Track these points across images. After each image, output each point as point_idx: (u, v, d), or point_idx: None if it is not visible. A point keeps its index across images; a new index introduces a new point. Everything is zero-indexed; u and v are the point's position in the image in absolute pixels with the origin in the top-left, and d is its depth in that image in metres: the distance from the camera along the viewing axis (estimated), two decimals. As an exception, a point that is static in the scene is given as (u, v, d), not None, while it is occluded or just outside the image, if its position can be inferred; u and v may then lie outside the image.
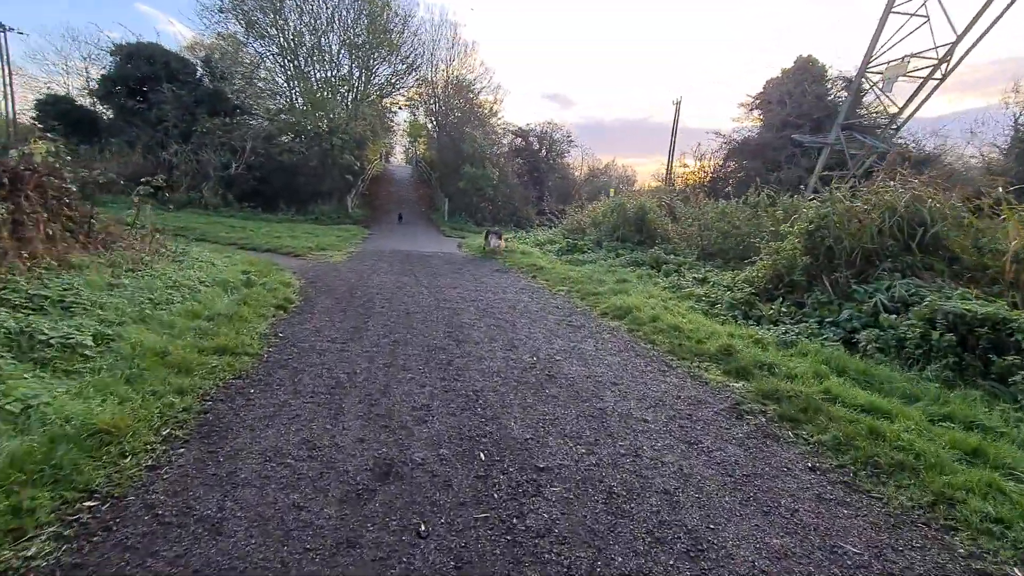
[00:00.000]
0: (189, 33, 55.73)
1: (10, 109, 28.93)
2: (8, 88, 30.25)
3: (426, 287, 9.03)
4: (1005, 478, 3.06)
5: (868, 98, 21.37)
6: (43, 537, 2.27)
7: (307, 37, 27.88)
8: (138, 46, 24.03)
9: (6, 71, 31.02)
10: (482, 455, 3.20)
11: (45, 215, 6.07)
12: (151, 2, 63.47)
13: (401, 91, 33.25)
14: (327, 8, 27.86)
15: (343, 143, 24.43)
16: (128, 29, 55.55)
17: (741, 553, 2.43)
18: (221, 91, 24.89)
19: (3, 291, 4.62)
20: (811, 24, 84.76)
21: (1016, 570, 2.37)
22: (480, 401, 4.08)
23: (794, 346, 5.71)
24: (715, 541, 2.51)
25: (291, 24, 27.30)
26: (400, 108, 36.23)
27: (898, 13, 13.75)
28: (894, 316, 5.55)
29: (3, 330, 3.94)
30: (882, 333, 5.40)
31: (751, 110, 25.29)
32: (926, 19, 13.79)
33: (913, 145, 17.60)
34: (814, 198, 7.88)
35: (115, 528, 2.38)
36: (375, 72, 30.76)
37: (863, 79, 15.18)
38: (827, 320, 6.28)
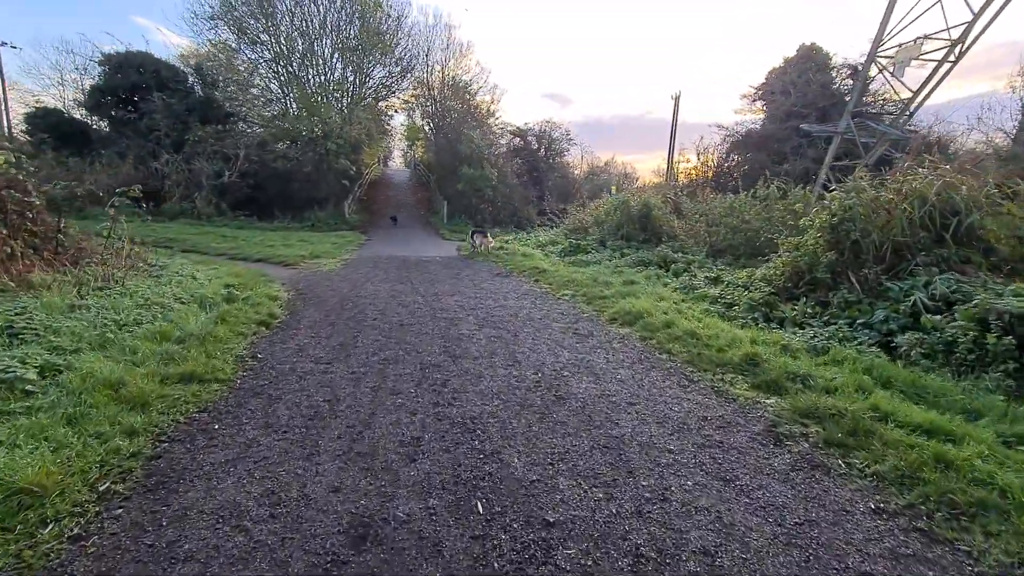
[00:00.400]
0: (184, 43, 55.42)
1: (5, 124, 28.66)
2: (3, 103, 30.00)
3: (422, 295, 8.51)
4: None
5: (873, 85, 20.79)
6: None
7: (299, 42, 27.47)
8: (128, 55, 23.62)
9: (1, 86, 30.77)
10: (480, 505, 2.67)
11: (3, 231, 5.58)
12: (147, 14, 63.27)
13: (397, 94, 32.82)
14: (319, 12, 27.45)
15: (338, 148, 23.96)
16: (116, 38, 55.26)
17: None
18: (213, 99, 24.46)
19: (-58, 318, 4.13)
20: (804, 28, 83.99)
21: None
22: (478, 431, 3.55)
23: (826, 352, 5.16)
24: (775, 623, 1.98)
25: (283, 29, 26.90)
26: (396, 111, 35.80)
27: (907, -6, 13.17)
28: (938, 317, 4.99)
29: (-70, 366, 3.44)
30: (926, 336, 4.85)
31: (754, 101, 24.68)
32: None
33: (925, 131, 16.94)
34: (835, 189, 7.31)
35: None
36: (369, 75, 30.32)
37: (873, 63, 14.59)
38: (859, 322, 5.73)
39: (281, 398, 4.06)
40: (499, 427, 3.62)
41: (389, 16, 29.25)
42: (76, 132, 23.60)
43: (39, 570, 2.14)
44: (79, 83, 29.02)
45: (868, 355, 4.88)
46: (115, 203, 7.83)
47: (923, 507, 2.72)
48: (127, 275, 6.73)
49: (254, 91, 28.44)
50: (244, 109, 27.51)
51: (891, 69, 14.00)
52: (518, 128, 33.47)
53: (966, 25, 12.38)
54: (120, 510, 2.57)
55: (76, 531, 2.39)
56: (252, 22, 26.40)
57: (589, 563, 2.27)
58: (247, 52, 27.54)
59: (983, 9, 11.96)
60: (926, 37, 13.11)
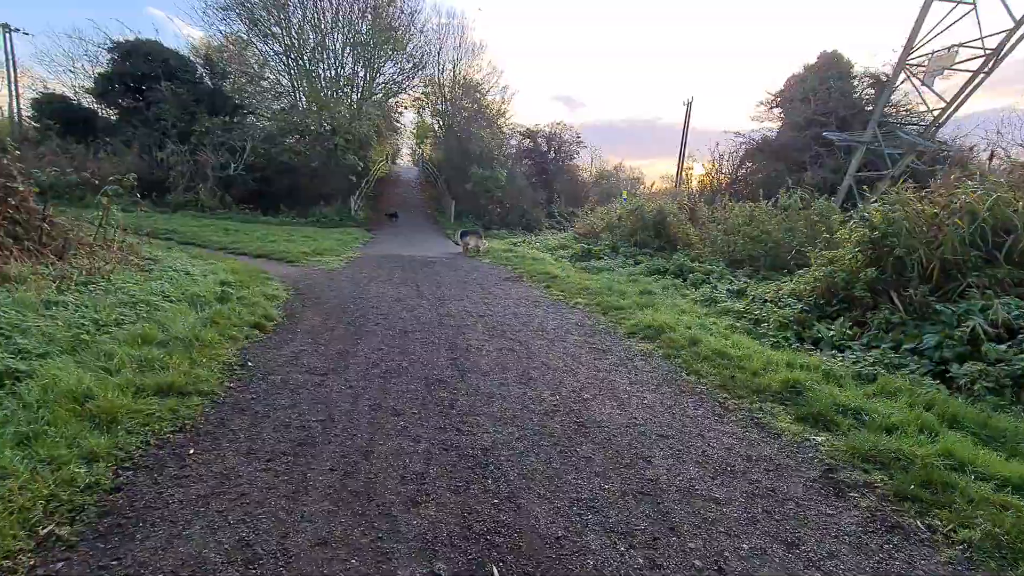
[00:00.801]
0: (197, 34, 55.32)
1: (16, 109, 28.46)
2: (13, 87, 29.81)
3: (428, 299, 8.06)
4: None
5: (895, 95, 20.23)
6: None
7: (311, 36, 27.13)
8: (136, 43, 23.33)
9: (12, 71, 30.59)
10: (496, 572, 2.20)
11: (-21, 218, 5.16)
12: (162, 5, 63.11)
13: (407, 91, 32.43)
14: (332, 6, 27.10)
15: (347, 143, 23.58)
16: (126, 26, 54.83)
17: None
18: (221, 90, 24.14)
19: None
20: (818, 37, 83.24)
21: None
22: (491, 467, 3.08)
23: (873, 381, 4.67)
24: None
25: (294, 22, 26.57)
26: (407, 108, 35.42)
27: (943, 0, 12.62)
28: (1002, 346, 4.50)
29: None
30: (990, 368, 4.35)
31: (771, 108, 24.12)
32: (972, 6, 12.67)
33: (961, 143, 16.29)
34: (875, 200, 6.81)
35: None
36: (380, 71, 29.94)
37: (903, 71, 14.05)
38: (906, 347, 5.23)
39: (269, 416, 3.61)
40: (515, 462, 3.15)
41: (402, 12, 28.91)
42: (81, 119, 23.31)
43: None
44: (90, 72, 28.83)
45: (924, 387, 4.38)
46: (108, 192, 7.43)
47: (1035, 591, 2.23)
48: (116, 269, 6.30)
49: (264, 84, 28.14)
50: (253, 101, 27.20)
51: (921, 78, 13.47)
52: (528, 129, 33.04)
53: (1005, 34, 11.85)
54: (60, 564, 2.11)
55: (-1, 594, 1.94)
56: (264, 14, 26.08)
57: (636, 664, 1.80)
58: (258, 44, 27.26)
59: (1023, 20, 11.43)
60: (961, 45, 12.59)
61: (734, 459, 3.32)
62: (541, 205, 29.43)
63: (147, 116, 22.24)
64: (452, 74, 32.07)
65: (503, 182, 25.55)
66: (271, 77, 28.43)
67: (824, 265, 6.88)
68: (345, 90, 28.37)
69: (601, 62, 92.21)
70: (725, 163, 23.58)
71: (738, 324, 6.70)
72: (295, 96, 28.07)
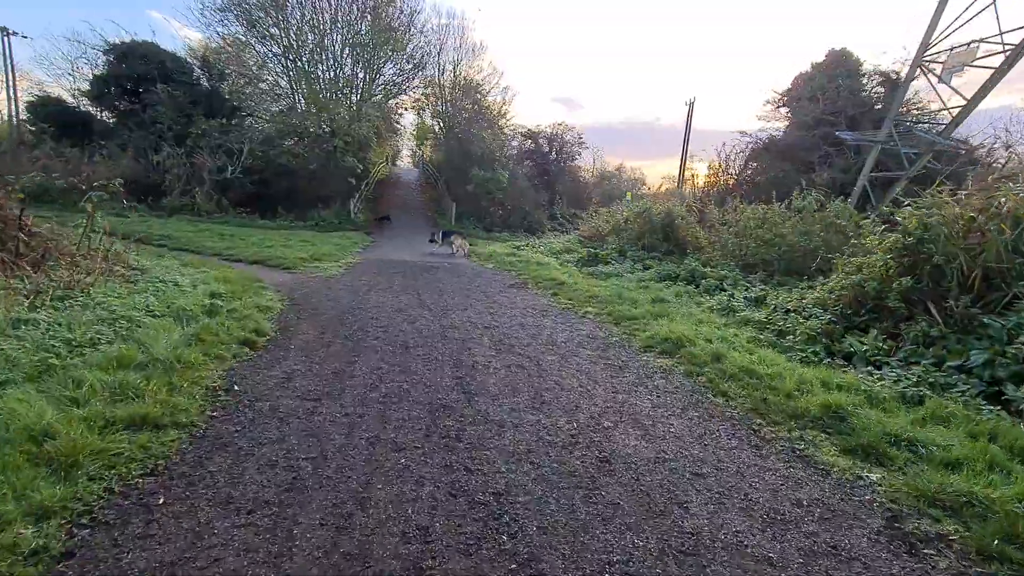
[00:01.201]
0: (196, 36, 54.96)
1: (15, 113, 28.10)
2: (11, 91, 29.46)
3: (430, 309, 7.66)
4: None
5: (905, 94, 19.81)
6: None
7: (310, 37, 26.77)
8: (132, 45, 22.96)
9: (9, 74, 30.25)
10: (520, 672, 1.80)
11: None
12: (163, 7, 62.62)
13: (407, 92, 32.05)
14: (330, 7, 26.74)
15: (346, 145, 23.20)
16: (122, 27, 54.32)
17: None
18: (218, 92, 23.78)
19: None
20: (820, 37, 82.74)
21: None
22: (506, 517, 2.68)
23: (921, 403, 4.26)
24: None
25: (293, 23, 26.20)
26: (407, 110, 35.03)
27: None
28: (1065, 366, 4.09)
29: None
30: (1054, 391, 3.94)
31: (778, 107, 23.67)
32: (991, 1, 12.26)
33: (984, 142, 15.80)
34: (908, 204, 6.41)
35: None
36: (380, 72, 29.57)
37: (919, 68, 13.63)
38: (949, 364, 4.81)
39: (253, 453, 3.20)
40: (533, 511, 2.74)
41: (401, 12, 28.54)
42: (77, 122, 22.95)
43: None
44: (88, 74, 28.46)
45: (981, 413, 3.97)
46: (93, 198, 7.05)
47: None
48: (97, 281, 5.91)
49: (263, 86, 27.78)
50: (252, 103, 26.84)
51: (939, 74, 13.05)
52: (529, 130, 32.66)
53: (1028, 29, 11.45)
54: (-19, 667, 1.71)
55: None
56: (262, 15, 25.72)
57: None
58: (257, 46, 26.90)
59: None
60: (982, 41, 12.17)
61: (782, 504, 2.91)
62: (543, 207, 29.04)
63: (143, 119, 21.87)
64: (452, 75, 31.72)
65: (505, 184, 25.14)
66: (270, 79, 28.09)
67: (852, 273, 6.46)
68: (344, 91, 28.01)
69: (600, 63, 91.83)
70: (731, 163, 23.12)
71: (761, 336, 6.28)
72: (294, 98, 27.71)
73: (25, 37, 38.60)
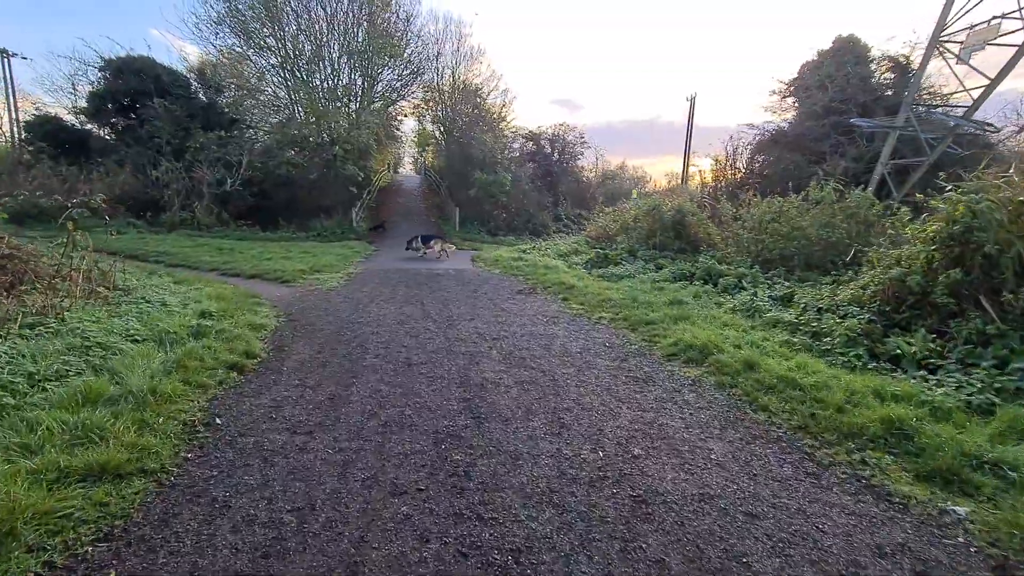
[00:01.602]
0: (192, 50, 54.94)
1: (15, 134, 28.00)
2: (13, 113, 29.38)
3: (435, 320, 7.20)
4: None
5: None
6: None
7: (307, 47, 26.50)
8: (128, 60, 22.74)
9: (11, 95, 30.20)
10: None
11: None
12: (160, 23, 62.60)
13: (407, 98, 31.71)
14: (326, 15, 26.47)
15: (346, 153, 22.84)
16: (116, 42, 54.10)
17: None
18: (216, 104, 23.54)
19: None
20: (818, 40, 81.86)
21: None
22: (529, 584, 2.20)
23: (991, 413, 3.75)
24: None
25: (288, 33, 25.93)
26: (406, 116, 34.72)
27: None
28: None
29: None
30: None
31: (784, 97, 23.10)
32: (1010, -25, 11.69)
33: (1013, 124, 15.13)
34: (950, 188, 5.88)
35: None
36: (378, 79, 29.26)
37: (936, 47, 13.05)
38: (1016, 366, 4.29)
39: (230, 505, 2.74)
40: (561, 574, 2.26)
41: (398, 17, 28.22)
42: (74, 140, 22.76)
43: None
44: (83, 92, 28.35)
45: (1070, 424, 3.44)
46: (73, 215, 6.66)
47: None
48: (74, 304, 5.50)
49: (262, 98, 27.52)
50: (251, 115, 26.59)
51: (957, 53, 12.47)
52: (531, 132, 32.23)
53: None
54: None
55: None
56: (257, 26, 25.49)
57: None
58: (253, 57, 26.65)
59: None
60: (1004, 16, 11.59)
61: (861, 553, 2.41)
62: (547, 208, 28.56)
63: (140, 134, 21.62)
64: (451, 79, 31.35)
65: (508, 186, 24.69)
66: (268, 90, 27.84)
67: (891, 266, 5.94)
68: (343, 100, 27.70)
69: (597, 65, 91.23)
70: (738, 156, 22.54)
71: (795, 339, 5.77)
72: (293, 109, 27.43)
73: (25, 58, 38.71)
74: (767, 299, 7.56)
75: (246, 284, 9.77)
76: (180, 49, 60.20)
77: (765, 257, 10.89)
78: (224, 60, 26.23)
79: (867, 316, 5.71)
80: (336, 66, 27.60)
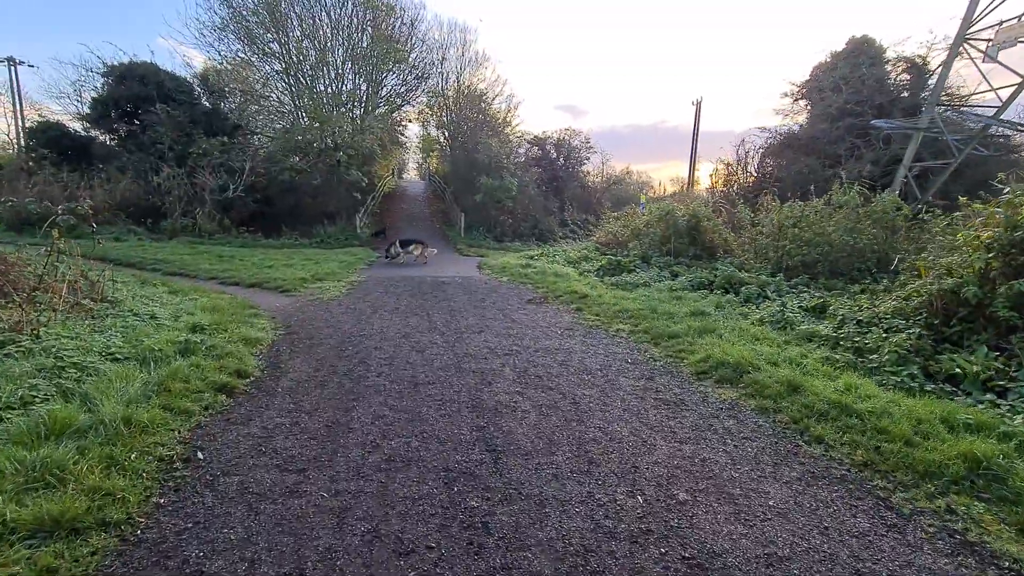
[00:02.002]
0: (196, 55, 55.02)
1: (21, 141, 27.91)
2: (19, 119, 29.33)
3: (441, 333, 6.75)
4: None
5: (931, 78, 18.70)
6: None
7: (312, 52, 26.29)
8: (130, 66, 22.55)
9: (17, 103, 30.17)
10: None
11: None
12: (164, 30, 62.74)
13: (411, 103, 31.48)
14: (330, 21, 26.28)
15: (350, 159, 22.52)
16: (119, 48, 54.13)
17: None
18: (219, 109, 23.29)
19: None
20: (822, 42, 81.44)
21: None
22: None
23: (1087, 448, 3.25)
24: None
25: (293, 38, 25.73)
26: (411, 121, 34.46)
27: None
28: None
29: None
30: None
31: (796, 100, 22.62)
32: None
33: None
34: (1008, 192, 5.41)
35: None
36: (383, 84, 29.03)
37: (963, 44, 12.57)
38: (1103, 389, 3.79)
39: (203, 571, 2.28)
40: (611, 675, 1.78)
41: (402, 22, 28.02)
42: (77, 146, 22.56)
43: None
44: (87, 99, 28.23)
45: None
46: (59, 223, 6.26)
47: None
48: (55, 318, 5.08)
49: (265, 103, 27.32)
50: (254, 121, 26.38)
51: (984, 50, 11.99)
52: (536, 137, 31.88)
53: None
54: None
55: None
56: (262, 31, 25.32)
57: None
58: (258, 63, 26.47)
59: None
60: (1035, 11, 11.12)
61: (985, 644, 1.93)
62: (553, 214, 28.13)
63: (142, 140, 21.38)
64: (456, 84, 31.10)
65: (514, 191, 24.27)
66: (273, 96, 27.63)
67: (942, 275, 5.44)
68: (347, 105, 27.45)
69: (600, 71, 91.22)
70: (749, 160, 22.08)
71: (836, 356, 5.27)
72: (297, 114, 27.21)
73: (31, 66, 38.83)
74: (798, 311, 7.05)
75: (245, 294, 9.36)
76: (184, 55, 60.57)
77: (787, 264, 10.42)
78: (228, 66, 26.08)
79: (917, 331, 5.21)
80: (340, 71, 27.40)
